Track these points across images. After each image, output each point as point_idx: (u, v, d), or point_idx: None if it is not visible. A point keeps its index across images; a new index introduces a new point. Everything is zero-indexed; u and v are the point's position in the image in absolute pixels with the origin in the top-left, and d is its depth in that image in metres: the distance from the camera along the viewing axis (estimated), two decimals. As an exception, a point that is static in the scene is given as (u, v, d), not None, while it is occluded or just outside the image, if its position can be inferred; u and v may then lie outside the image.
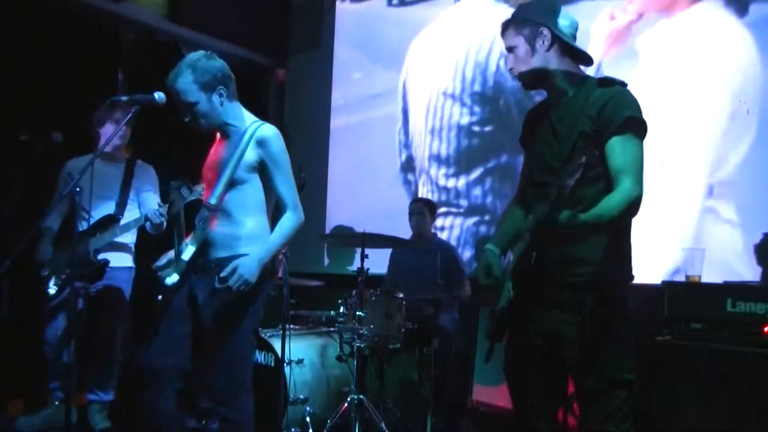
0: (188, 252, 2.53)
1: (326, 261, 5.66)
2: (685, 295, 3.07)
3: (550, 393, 2.15)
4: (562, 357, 2.05)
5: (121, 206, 3.68)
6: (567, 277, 2.04)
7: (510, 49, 2.15)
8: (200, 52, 2.58)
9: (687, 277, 3.28)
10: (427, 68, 5.25)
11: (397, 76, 5.43)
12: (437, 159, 5.11)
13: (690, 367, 2.91)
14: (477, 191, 4.88)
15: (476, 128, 4.94)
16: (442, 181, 5.07)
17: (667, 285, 3.14)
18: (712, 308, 2.94)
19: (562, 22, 2.12)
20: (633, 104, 2.03)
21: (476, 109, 4.94)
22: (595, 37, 4.23)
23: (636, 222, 2.07)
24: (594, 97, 2.05)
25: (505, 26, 2.16)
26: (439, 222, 4.88)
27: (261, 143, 2.54)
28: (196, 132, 2.61)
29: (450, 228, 4.99)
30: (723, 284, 3.15)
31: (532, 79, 2.15)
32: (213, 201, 2.53)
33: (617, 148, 1.98)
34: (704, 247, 3.44)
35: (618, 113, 1.99)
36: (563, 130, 2.08)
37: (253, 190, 2.56)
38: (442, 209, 4.93)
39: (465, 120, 4.98)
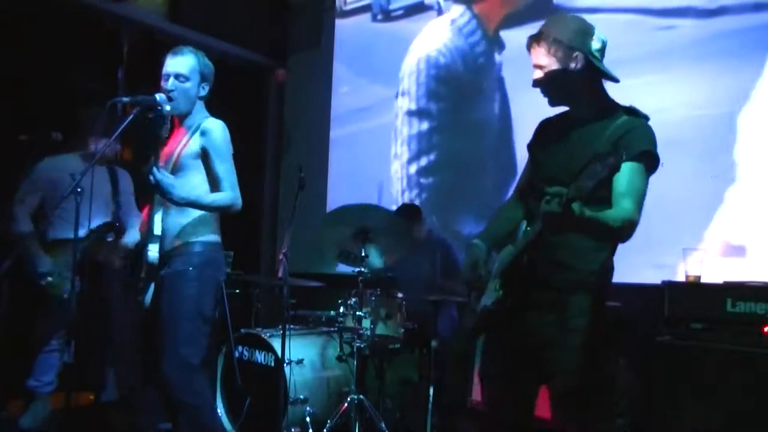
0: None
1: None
2: (685, 295, 3.07)
3: (529, 393, 2.18)
4: (545, 359, 2.07)
5: (116, 213, 3.72)
6: (554, 280, 2.06)
7: (538, 67, 2.11)
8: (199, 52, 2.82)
9: (687, 277, 3.28)
10: (402, 81, 5.47)
11: (384, 90, 5.53)
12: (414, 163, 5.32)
13: (690, 367, 2.91)
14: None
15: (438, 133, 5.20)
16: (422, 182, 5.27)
17: (667, 285, 3.14)
18: (712, 308, 2.94)
19: (594, 44, 2.09)
20: (651, 139, 2.04)
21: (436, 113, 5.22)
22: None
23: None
24: (617, 124, 2.05)
25: (536, 42, 2.11)
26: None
27: (204, 132, 2.70)
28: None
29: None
30: (723, 284, 3.14)
31: (559, 99, 2.15)
32: None
33: (626, 174, 1.97)
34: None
35: (636, 144, 2.00)
36: (579, 151, 2.06)
37: (197, 179, 2.70)
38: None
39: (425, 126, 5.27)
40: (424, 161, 5.26)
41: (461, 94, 5.11)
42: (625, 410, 2.87)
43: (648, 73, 4.00)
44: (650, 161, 2.03)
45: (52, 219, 3.57)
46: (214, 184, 2.71)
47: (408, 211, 4.39)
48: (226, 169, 2.70)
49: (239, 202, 2.71)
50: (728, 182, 3.75)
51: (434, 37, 5.29)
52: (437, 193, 5.17)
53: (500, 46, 4.96)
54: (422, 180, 5.27)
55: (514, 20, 4.87)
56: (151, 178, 2.48)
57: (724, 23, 3.88)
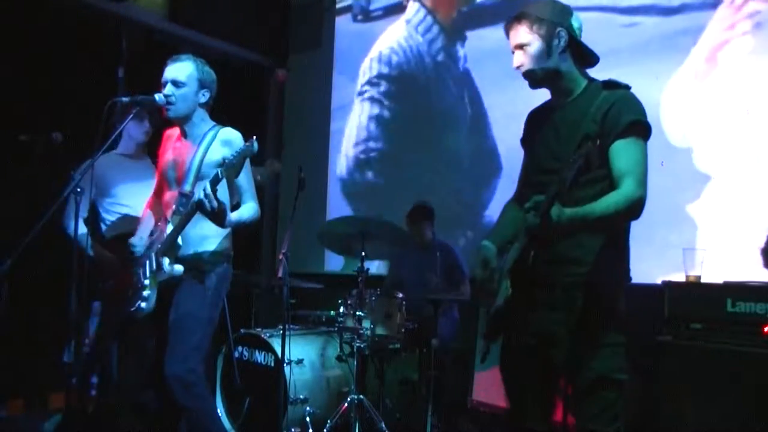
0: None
1: (333, 261, 5.65)
2: (685, 295, 3.07)
3: (544, 393, 2.16)
4: (552, 356, 2.05)
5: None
6: (559, 276, 2.04)
7: (520, 47, 2.11)
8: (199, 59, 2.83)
9: (687, 277, 3.28)
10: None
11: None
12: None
13: (690, 367, 2.91)
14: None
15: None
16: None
17: (667, 285, 3.14)
18: (712, 308, 2.94)
19: (575, 23, 2.10)
20: (638, 108, 2.02)
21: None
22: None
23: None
24: (599, 100, 2.03)
25: (517, 22, 2.11)
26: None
27: (227, 143, 2.73)
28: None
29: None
30: (723, 284, 3.14)
31: (543, 78, 2.11)
32: (187, 188, 2.69)
33: (621, 151, 1.96)
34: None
35: (623, 117, 1.98)
36: (566, 133, 2.06)
37: (219, 188, 2.64)
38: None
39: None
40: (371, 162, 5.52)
41: (418, 90, 5.23)
42: (625, 410, 2.86)
43: (617, 67, 4.00)
44: (641, 130, 2.01)
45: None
46: (236, 194, 2.77)
47: (424, 210, 4.41)
48: (248, 179, 2.77)
49: (259, 215, 2.79)
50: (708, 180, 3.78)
51: (390, 37, 5.46)
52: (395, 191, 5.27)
53: (462, 38, 5.05)
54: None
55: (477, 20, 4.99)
56: (208, 203, 2.48)
57: (686, 21, 3.91)
